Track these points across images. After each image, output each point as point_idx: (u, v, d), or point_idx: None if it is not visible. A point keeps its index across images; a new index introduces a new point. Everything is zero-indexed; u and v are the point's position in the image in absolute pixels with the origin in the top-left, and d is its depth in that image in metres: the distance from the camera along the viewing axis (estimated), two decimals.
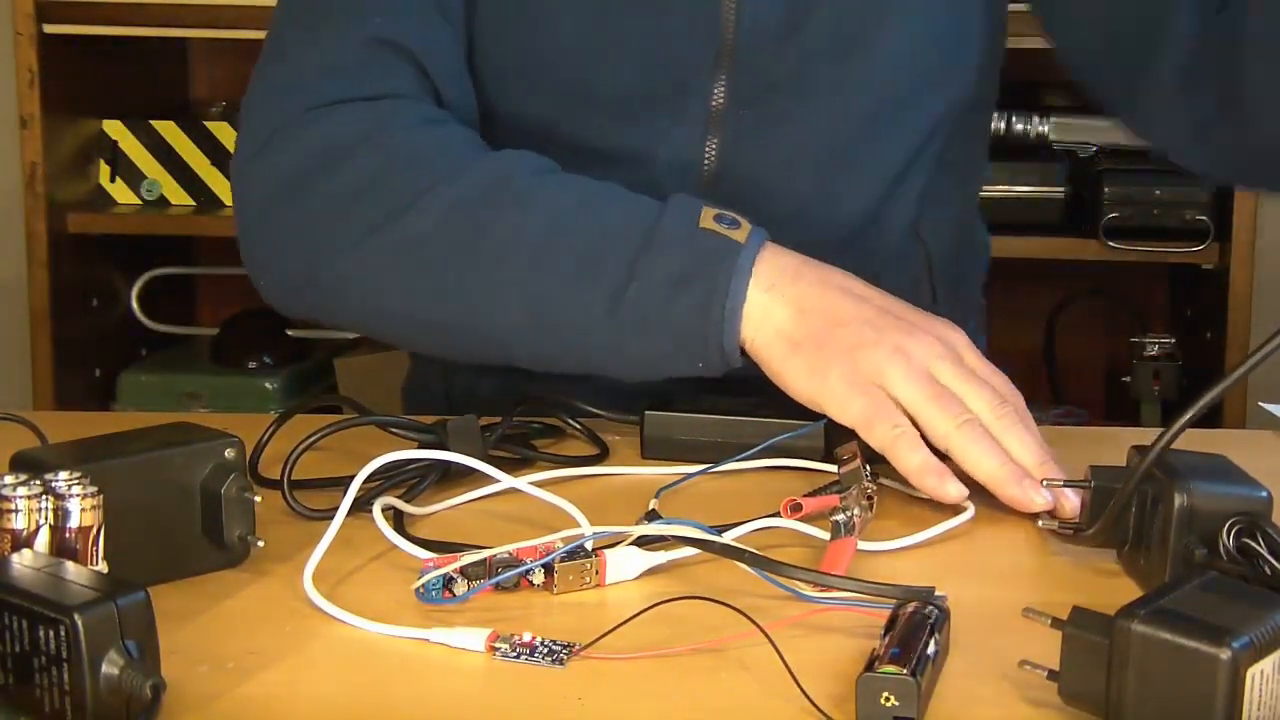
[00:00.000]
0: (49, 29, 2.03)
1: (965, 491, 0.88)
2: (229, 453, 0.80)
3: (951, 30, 1.15)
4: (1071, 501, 0.87)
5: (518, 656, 0.71)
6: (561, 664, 0.70)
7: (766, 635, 0.68)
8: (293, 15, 1.09)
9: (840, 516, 0.83)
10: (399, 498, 0.88)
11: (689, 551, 0.81)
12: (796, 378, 0.93)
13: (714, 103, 1.10)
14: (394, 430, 0.96)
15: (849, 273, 0.98)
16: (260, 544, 0.80)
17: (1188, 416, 0.75)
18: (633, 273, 0.95)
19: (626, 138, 1.11)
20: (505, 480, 0.89)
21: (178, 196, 2.18)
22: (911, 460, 0.89)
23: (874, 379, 0.91)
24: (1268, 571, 0.73)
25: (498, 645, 0.71)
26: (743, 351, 0.96)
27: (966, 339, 0.95)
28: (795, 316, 0.94)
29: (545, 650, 0.71)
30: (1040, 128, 2.14)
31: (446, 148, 1.03)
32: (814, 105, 1.12)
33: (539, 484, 0.90)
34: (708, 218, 0.97)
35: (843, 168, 1.13)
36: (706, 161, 1.11)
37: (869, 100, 1.13)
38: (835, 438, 0.96)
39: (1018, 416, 0.91)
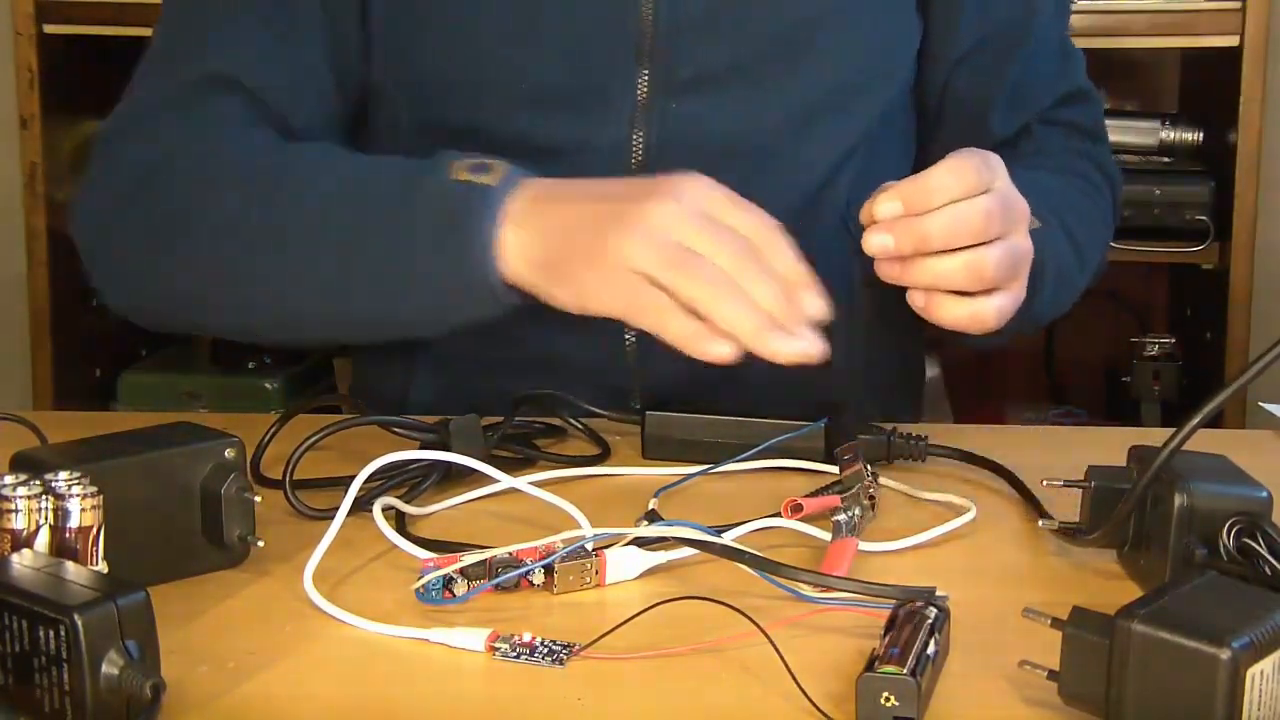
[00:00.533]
0: (49, 29, 2.03)
1: (730, 347, 0.86)
2: (229, 453, 0.80)
3: (888, 32, 1.16)
4: (815, 346, 0.87)
5: (518, 657, 0.71)
6: (561, 664, 0.70)
7: (766, 635, 0.68)
8: (148, 57, 1.15)
9: (842, 516, 0.83)
10: (399, 498, 0.88)
11: (689, 552, 0.81)
12: (561, 297, 0.93)
13: (639, 95, 1.11)
14: (395, 430, 0.96)
15: (607, 178, 0.98)
16: (260, 544, 0.80)
17: (1190, 427, 0.74)
18: (395, 239, 0.97)
19: (555, 133, 1.11)
20: (506, 480, 0.89)
21: None
22: (674, 329, 0.88)
23: (620, 265, 0.89)
24: (1268, 571, 0.73)
25: (498, 645, 0.71)
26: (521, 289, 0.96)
27: (709, 185, 0.91)
28: (541, 241, 0.94)
29: (545, 650, 0.71)
30: None
31: (240, 151, 1.07)
32: (748, 101, 1.12)
33: (540, 484, 0.90)
34: (459, 170, 0.97)
35: (776, 163, 1.14)
36: (634, 154, 1.12)
37: (805, 99, 1.13)
38: (835, 438, 0.96)
39: (757, 264, 0.88)
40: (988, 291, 0.97)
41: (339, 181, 1.03)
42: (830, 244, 1.17)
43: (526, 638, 0.72)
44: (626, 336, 1.13)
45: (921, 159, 1.26)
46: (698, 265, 0.88)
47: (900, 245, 0.93)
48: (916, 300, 0.96)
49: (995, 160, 0.97)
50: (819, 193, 1.16)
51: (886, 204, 0.94)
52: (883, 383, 1.23)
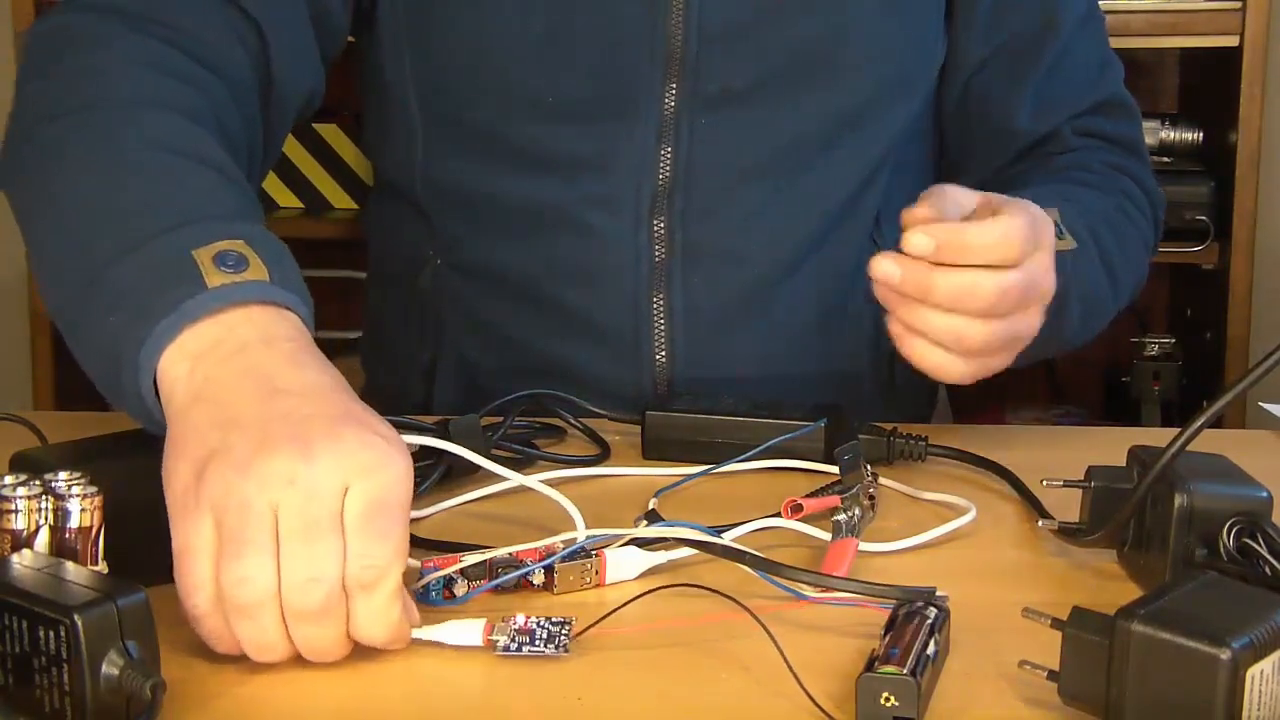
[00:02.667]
0: None
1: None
2: None
3: (913, 45, 1.16)
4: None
5: (519, 648, 0.70)
6: (563, 649, 0.70)
7: (769, 635, 0.68)
8: None
9: (842, 517, 0.83)
10: None
11: (689, 552, 0.81)
12: (165, 469, 0.72)
13: (666, 110, 1.10)
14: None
15: (325, 366, 0.77)
16: None
17: (1191, 432, 0.74)
18: (104, 269, 0.79)
19: (580, 144, 1.11)
20: (509, 476, 0.89)
21: None
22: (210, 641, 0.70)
23: (211, 501, 0.69)
24: (1268, 571, 0.73)
25: (495, 637, 0.71)
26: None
27: (375, 482, 0.69)
28: (188, 404, 0.73)
29: (544, 633, 0.71)
30: None
31: (111, 81, 0.92)
32: (775, 116, 1.12)
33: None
34: (212, 249, 0.77)
35: (804, 179, 1.14)
36: (662, 169, 1.11)
37: (831, 113, 1.13)
38: (836, 438, 0.96)
39: (330, 615, 0.68)
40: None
41: (105, 178, 0.85)
42: (859, 259, 1.17)
43: (520, 620, 0.71)
44: (658, 356, 1.13)
45: (947, 165, 1.25)
46: (244, 563, 0.67)
47: (904, 285, 0.90)
48: (894, 328, 0.93)
49: (1045, 227, 0.93)
50: (847, 208, 1.16)
51: (919, 238, 0.89)
52: (904, 390, 1.23)
